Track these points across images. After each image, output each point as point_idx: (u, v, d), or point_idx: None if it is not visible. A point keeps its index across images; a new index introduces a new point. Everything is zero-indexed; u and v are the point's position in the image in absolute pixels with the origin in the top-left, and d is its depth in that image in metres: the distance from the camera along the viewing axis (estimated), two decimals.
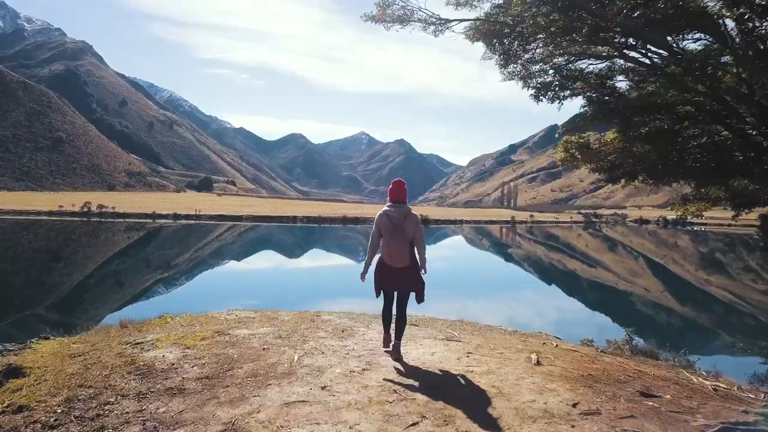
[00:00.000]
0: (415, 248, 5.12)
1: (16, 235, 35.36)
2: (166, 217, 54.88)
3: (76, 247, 30.53)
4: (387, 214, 5.06)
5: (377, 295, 5.32)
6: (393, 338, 5.32)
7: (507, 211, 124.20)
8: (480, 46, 9.21)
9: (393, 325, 5.38)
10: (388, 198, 5.25)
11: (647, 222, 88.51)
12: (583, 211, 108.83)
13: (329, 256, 32.17)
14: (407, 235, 5.00)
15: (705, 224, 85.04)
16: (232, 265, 26.05)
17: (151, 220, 51.89)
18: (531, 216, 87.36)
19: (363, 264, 5.28)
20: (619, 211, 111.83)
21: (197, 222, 53.46)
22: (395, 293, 5.27)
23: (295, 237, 45.54)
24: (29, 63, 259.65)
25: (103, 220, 50.20)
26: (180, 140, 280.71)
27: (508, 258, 34.91)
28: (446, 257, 33.89)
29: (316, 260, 29.54)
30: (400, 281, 5.13)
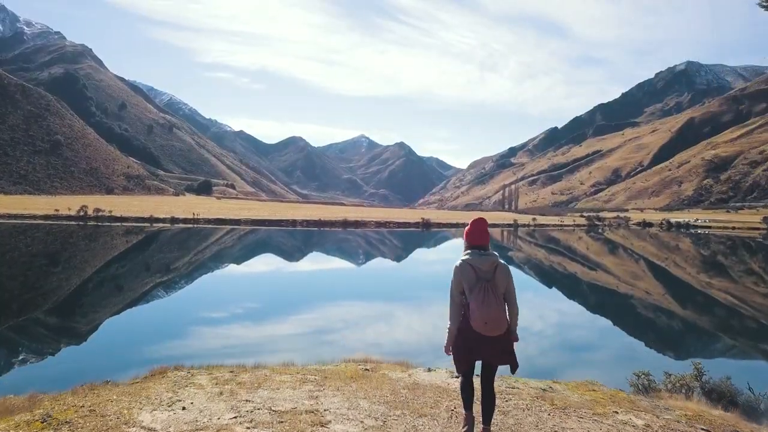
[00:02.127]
0: (506, 307, 3.95)
1: (8, 240, 34.51)
2: (163, 221, 54.08)
3: (58, 254, 29.64)
4: (472, 266, 3.88)
5: (459, 371, 4.12)
6: (481, 424, 4.10)
7: (509, 214, 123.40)
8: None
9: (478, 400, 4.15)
10: (465, 242, 4.11)
11: (650, 225, 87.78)
12: (585, 214, 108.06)
13: (329, 261, 31.31)
14: (500, 291, 3.88)
15: (709, 227, 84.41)
16: (221, 274, 25.17)
17: (148, 224, 51.08)
18: (534, 219, 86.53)
19: (444, 333, 4.07)
20: (621, 214, 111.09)
21: (195, 226, 52.65)
22: (476, 363, 4.11)
23: (295, 240, 44.71)
24: (28, 66, 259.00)
25: (99, 224, 49.39)
26: (179, 143, 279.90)
27: (522, 266, 34.03)
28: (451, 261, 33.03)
29: (315, 265, 28.70)
30: (494, 354, 3.95)
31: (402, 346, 11.58)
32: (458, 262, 3.96)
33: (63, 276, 21.13)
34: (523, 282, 25.95)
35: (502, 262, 3.93)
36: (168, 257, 28.41)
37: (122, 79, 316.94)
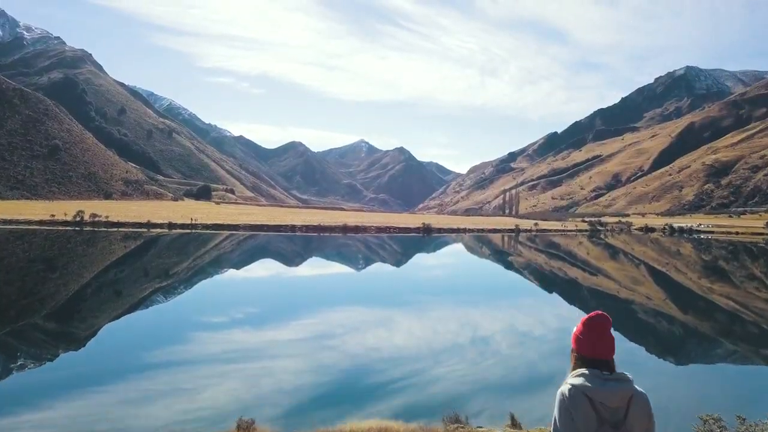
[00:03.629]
0: None
1: (4, 246, 33.69)
2: (160, 226, 53.25)
3: (45, 262, 28.83)
4: (590, 400, 2.23)
5: None
6: None
7: (511, 219, 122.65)
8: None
9: None
10: (573, 351, 2.45)
11: (653, 230, 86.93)
12: (587, 219, 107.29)
13: (329, 267, 30.48)
14: None
15: (711, 232, 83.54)
16: (214, 283, 24.35)
17: (145, 230, 50.26)
18: (536, 224, 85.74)
19: None
20: (623, 219, 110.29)
21: (193, 231, 51.84)
22: None
23: (295, 245, 43.91)
24: (28, 71, 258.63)
25: (96, 229, 48.59)
26: (179, 148, 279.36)
27: (523, 270, 33.21)
28: (455, 268, 32.22)
29: (314, 271, 27.87)
30: None
31: (413, 371, 10.80)
32: (565, 388, 2.29)
33: (41, 287, 20.34)
34: (523, 287, 25.23)
35: (640, 390, 2.25)
36: (165, 264, 27.62)
37: (122, 84, 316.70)
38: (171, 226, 53.73)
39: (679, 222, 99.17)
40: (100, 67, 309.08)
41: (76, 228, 48.63)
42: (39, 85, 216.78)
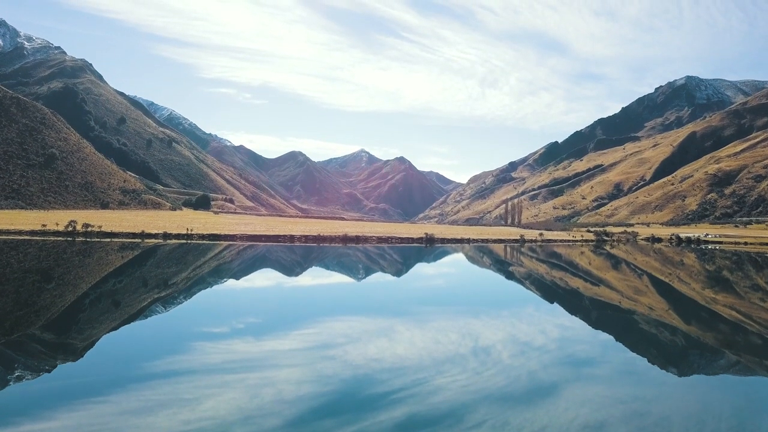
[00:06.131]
0: None
1: None
2: (155, 236, 51.79)
3: (26, 276, 27.21)
4: None
5: None
6: None
7: (515, 229, 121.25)
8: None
9: None
10: None
11: (659, 240, 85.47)
12: (592, 229, 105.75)
13: (329, 278, 28.86)
14: None
15: (720, 242, 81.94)
16: (202, 300, 22.75)
17: (139, 240, 48.76)
18: (540, 234, 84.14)
19: None
20: (628, 229, 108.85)
21: (188, 242, 50.32)
22: None
23: (295, 256, 42.33)
24: (28, 81, 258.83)
25: (88, 240, 47.06)
26: (179, 158, 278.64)
27: (524, 280, 31.58)
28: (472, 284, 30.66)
29: (314, 282, 26.28)
30: None
31: (414, 381, 9.31)
32: None
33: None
34: (525, 297, 23.84)
35: None
36: (162, 274, 26.02)
37: (122, 94, 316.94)
38: (166, 236, 52.26)
39: (685, 232, 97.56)
40: (100, 77, 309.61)
41: (68, 238, 47.10)
42: (39, 95, 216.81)
